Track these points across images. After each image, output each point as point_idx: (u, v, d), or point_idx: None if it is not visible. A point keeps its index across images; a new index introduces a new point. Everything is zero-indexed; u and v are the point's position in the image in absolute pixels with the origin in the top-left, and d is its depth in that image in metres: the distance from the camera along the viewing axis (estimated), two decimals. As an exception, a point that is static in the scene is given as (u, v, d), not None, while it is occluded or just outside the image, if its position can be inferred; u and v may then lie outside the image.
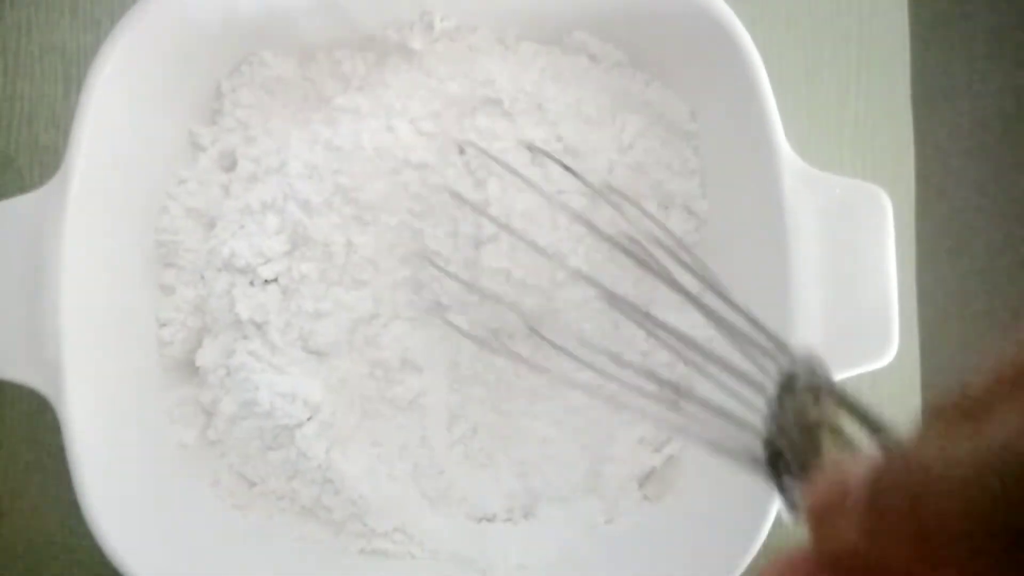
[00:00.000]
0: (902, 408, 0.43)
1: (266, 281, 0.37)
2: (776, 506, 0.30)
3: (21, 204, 0.32)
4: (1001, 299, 0.98)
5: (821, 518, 0.15)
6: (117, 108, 0.33)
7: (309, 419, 0.37)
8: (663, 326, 0.28)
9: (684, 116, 0.37)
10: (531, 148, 0.36)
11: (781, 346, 0.23)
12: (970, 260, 0.97)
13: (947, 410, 0.14)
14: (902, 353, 0.31)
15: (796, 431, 0.20)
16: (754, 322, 0.24)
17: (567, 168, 0.35)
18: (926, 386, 0.43)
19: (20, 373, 0.31)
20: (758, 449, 0.21)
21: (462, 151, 0.37)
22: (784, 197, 0.31)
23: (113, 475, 0.32)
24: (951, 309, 0.96)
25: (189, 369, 0.38)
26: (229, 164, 0.38)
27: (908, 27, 0.44)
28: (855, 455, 0.18)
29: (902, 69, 0.44)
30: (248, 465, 0.37)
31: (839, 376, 0.31)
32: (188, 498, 0.36)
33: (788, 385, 0.21)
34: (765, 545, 0.31)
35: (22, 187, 0.41)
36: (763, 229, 0.32)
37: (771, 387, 0.21)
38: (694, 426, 0.24)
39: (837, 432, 0.20)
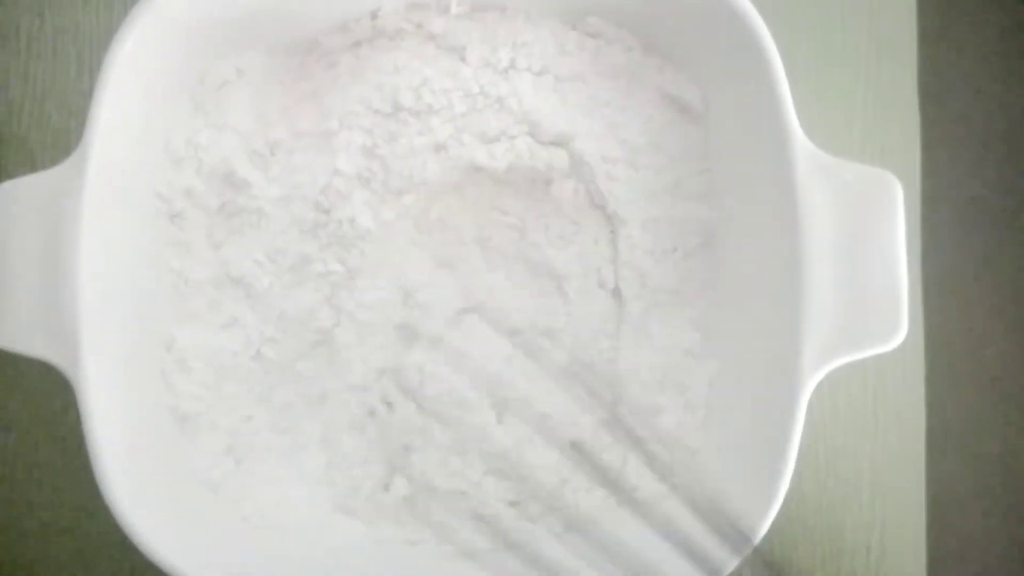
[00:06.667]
0: (907, 394, 0.43)
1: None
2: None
3: (38, 182, 0.32)
4: (1005, 288, 0.99)
5: None
6: (133, 88, 0.33)
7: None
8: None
9: (696, 100, 0.38)
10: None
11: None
12: (975, 249, 0.98)
13: None
14: (907, 339, 0.32)
15: None
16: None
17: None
18: (930, 372, 0.44)
19: (38, 348, 0.31)
20: None
21: None
22: (797, 181, 0.31)
23: (129, 448, 0.32)
24: (956, 296, 0.97)
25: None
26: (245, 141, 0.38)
27: (916, 22, 0.44)
28: None
29: (910, 62, 0.44)
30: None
31: (850, 357, 0.31)
32: (205, 472, 0.36)
33: None
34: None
35: (33, 166, 0.41)
36: (775, 212, 0.33)
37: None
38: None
39: None
